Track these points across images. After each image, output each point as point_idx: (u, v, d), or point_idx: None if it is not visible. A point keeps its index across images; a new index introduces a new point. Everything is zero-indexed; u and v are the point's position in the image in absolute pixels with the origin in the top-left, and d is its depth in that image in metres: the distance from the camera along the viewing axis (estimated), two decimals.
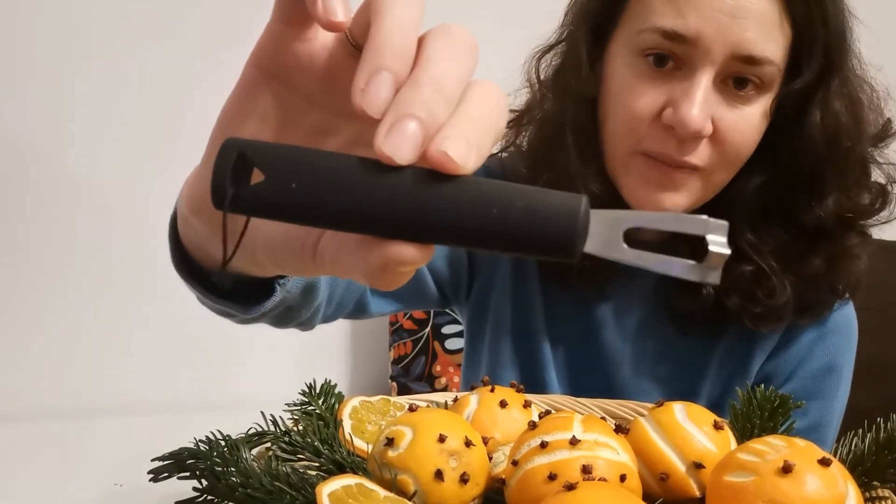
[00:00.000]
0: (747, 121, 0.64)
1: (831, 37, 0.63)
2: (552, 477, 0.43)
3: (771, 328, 0.72)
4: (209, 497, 0.39)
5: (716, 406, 0.77)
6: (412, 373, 1.52)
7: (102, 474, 1.23)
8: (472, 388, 0.59)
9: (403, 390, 1.52)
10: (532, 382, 0.80)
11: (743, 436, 0.53)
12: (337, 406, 0.56)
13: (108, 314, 1.46)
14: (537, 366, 0.80)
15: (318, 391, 0.56)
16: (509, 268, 0.81)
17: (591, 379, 0.80)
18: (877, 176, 0.71)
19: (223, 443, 0.43)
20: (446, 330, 1.54)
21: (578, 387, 0.80)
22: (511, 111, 0.79)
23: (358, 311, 0.73)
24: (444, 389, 1.52)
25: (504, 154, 0.80)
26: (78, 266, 1.43)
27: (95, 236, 1.43)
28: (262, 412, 0.51)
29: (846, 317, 0.78)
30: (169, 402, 1.32)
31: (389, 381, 1.54)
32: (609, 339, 0.79)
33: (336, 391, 0.57)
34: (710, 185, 0.67)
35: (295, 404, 0.55)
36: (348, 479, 0.40)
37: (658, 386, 0.78)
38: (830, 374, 0.77)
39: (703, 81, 0.61)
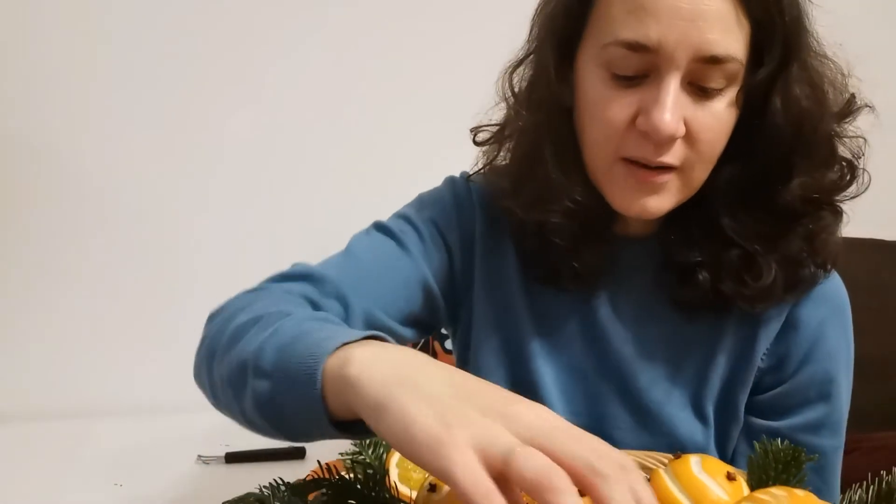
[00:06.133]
0: (717, 117, 0.66)
1: (788, 25, 0.65)
2: None
3: (763, 307, 0.74)
4: None
5: (725, 397, 0.78)
6: None
7: (102, 474, 1.23)
8: None
9: None
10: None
11: (759, 486, 0.55)
12: (385, 456, 0.59)
13: (110, 314, 1.46)
14: (532, 388, 0.79)
15: (367, 443, 0.59)
16: (488, 288, 0.80)
17: (599, 382, 0.79)
18: (845, 152, 0.72)
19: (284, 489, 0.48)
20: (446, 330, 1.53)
21: (587, 393, 0.79)
22: (489, 126, 0.79)
23: None
24: None
25: (484, 170, 0.80)
26: (79, 266, 1.43)
27: (96, 237, 1.43)
28: (318, 461, 0.56)
29: (842, 294, 0.79)
30: (169, 402, 1.31)
31: None
32: (612, 338, 0.78)
33: (384, 443, 0.59)
34: (689, 183, 0.69)
35: (347, 453, 0.58)
36: None
37: (667, 380, 0.78)
38: (849, 349, 0.78)
39: (672, 86, 0.63)
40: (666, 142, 0.64)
